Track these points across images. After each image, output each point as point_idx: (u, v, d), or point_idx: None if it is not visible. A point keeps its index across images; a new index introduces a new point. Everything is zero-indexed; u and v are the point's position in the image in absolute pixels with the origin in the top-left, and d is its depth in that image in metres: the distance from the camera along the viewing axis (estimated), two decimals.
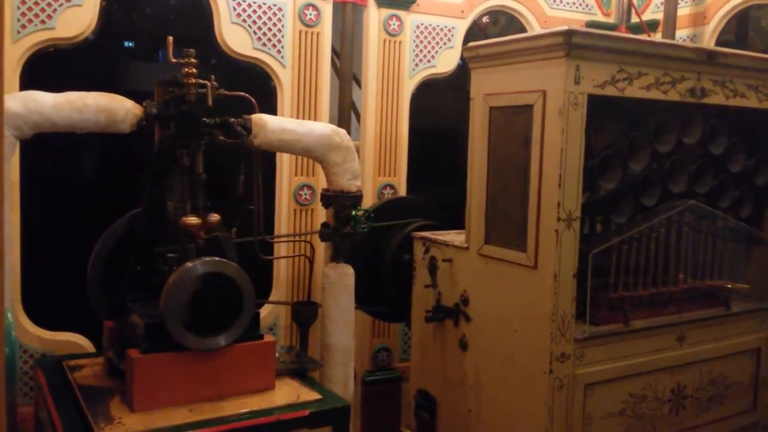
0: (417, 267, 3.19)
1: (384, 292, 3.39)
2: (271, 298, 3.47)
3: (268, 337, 2.43)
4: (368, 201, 3.64)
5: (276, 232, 3.43)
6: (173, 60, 2.32)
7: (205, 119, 2.42)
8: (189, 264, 2.22)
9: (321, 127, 2.65)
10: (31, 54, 2.98)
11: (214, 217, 2.34)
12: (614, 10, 4.29)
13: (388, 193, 3.72)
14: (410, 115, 3.77)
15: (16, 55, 2.92)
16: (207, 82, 2.37)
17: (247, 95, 2.58)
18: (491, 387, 2.81)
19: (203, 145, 2.41)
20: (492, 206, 2.76)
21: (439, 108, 4.08)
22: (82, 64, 3.18)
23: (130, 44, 3.57)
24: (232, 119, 2.45)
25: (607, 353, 2.67)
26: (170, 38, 2.31)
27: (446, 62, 3.79)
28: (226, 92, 2.52)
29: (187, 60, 2.34)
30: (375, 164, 3.71)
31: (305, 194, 3.50)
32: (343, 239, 2.70)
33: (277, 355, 2.72)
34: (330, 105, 3.58)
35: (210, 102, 2.36)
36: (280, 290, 3.52)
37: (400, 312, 3.39)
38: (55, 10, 2.96)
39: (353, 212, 2.65)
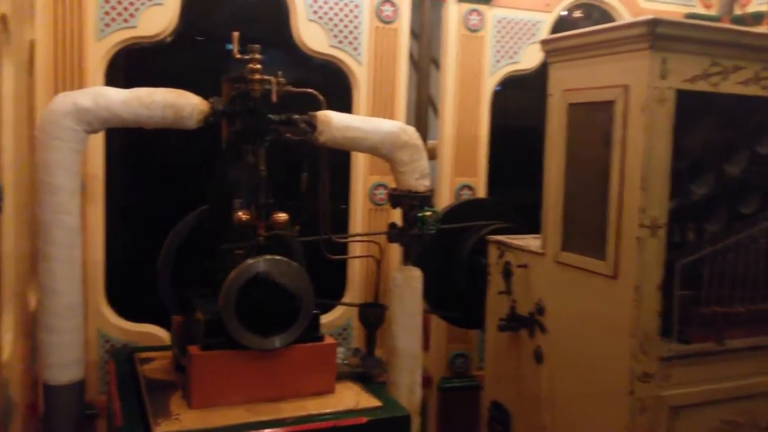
0: (491, 272, 3.05)
1: (458, 297, 3.26)
2: (344, 299, 3.42)
3: (329, 339, 2.37)
4: (445, 202, 3.53)
5: (351, 232, 3.38)
6: (238, 56, 2.30)
7: (271, 116, 2.39)
8: (249, 261, 2.19)
9: (388, 125, 2.57)
10: (115, 52, 3.07)
11: (278, 215, 2.30)
12: (716, 1, 3.97)
13: (466, 194, 3.59)
14: (492, 113, 3.63)
15: (100, 53, 3.00)
16: (271, 78, 2.33)
17: (314, 92, 2.53)
18: (568, 404, 2.64)
19: (267, 141, 2.38)
20: (569, 210, 2.59)
21: (523, 106, 3.91)
22: (173, 60, 3.25)
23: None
24: (296, 116, 2.41)
25: (697, 374, 2.44)
26: (235, 33, 2.29)
27: (530, 58, 3.62)
28: (293, 88, 2.48)
29: (251, 56, 2.31)
30: (453, 164, 3.58)
31: (380, 194, 3.42)
32: (410, 241, 2.60)
33: (342, 357, 2.66)
34: (408, 103, 3.50)
35: (274, 98, 2.32)
36: (354, 291, 3.46)
37: (475, 318, 3.26)
38: (137, 8, 3.02)
39: (420, 213, 2.55)
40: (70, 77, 2.95)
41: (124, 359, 2.67)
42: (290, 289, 2.22)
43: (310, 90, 2.54)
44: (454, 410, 3.74)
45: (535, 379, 2.79)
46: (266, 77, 2.34)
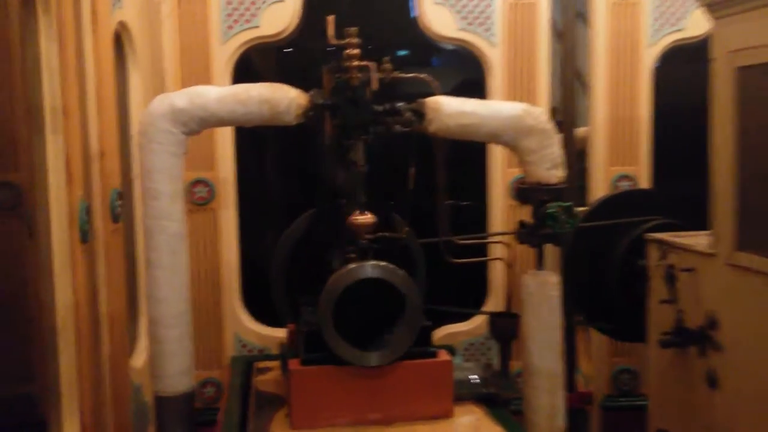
0: (651, 276, 2.57)
1: (611, 305, 2.80)
2: (486, 307, 3.10)
3: (443, 355, 2.08)
4: (599, 195, 3.09)
5: (491, 231, 3.05)
6: (334, 41, 2.09)
7: (375, 106, 2.16)
8: (349, 267, 1.97)
9: (509, 108, 2.22)
10: (240, 54, 3.02)
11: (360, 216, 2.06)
12: None
13: (624, 186, 3.11)
14: (654, 90, 3.13)
15: (225, 55, 2.98)
16: (370, 63, 2.10)
17: (426, 77, 2.26)
18: None
19: (371, 134, 2.15)
20: (746, 201, 2.08)
21: (694, 80, 3.33)
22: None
23: None
24: (400, 104, 2.15)
25: None
26: (330, 17, 2.09)
27: (698, 24, 3.04)
28: (403, 75, 2.24)
29: (348, 41, 2.09)
30: (608, 151, 3.13)
31: None
32: (542, 241, 2.23)
33: (474, 375, 2.36)
34: (551, 85, 3.12)
35: (375, 85, 2.09)
36: (496, 298, 3.13)
37: (633, 330, 2.78)
38: (258, 8, 2.95)
39: (550, 209, 2.17)
40: (197, 83, 2.94)
41: (242, 368, 2.56)
42: (395, 299, 1.96)
43: (421, 75, 2.28)
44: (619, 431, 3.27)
45: (709, 406, 2.29)
46: (365, 63, 2.11)
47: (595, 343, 3.28)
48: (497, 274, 3.14)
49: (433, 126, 2.16)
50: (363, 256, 2.04)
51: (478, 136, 2.22)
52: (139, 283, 2.75)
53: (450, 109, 2.16)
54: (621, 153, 3.13)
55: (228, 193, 3.09)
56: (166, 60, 2.95)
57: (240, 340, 3.10)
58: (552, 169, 2.22)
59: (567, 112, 3.14)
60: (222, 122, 2.14)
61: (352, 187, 2.09)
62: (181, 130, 2.11)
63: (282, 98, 2.11)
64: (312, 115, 2.16)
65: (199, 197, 3.04)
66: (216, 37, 2.98)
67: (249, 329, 3.11)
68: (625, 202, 2.86)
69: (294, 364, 2.01)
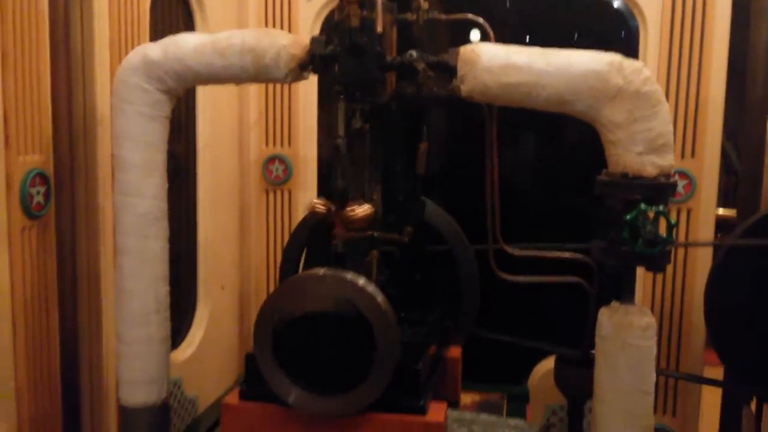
0: None
1: None
2: None
3: (435, 413, 1.44)
4: None
5: None
6: None
7: (387, 58, 1.57)
8: (294, 277, 1.42)
9: (585, 61, 1.45)
10: (328, 12, 2.61)
11: (353, 209, 1.47)
12: None
13: None
14: None
15: (311, 14, 2.61)
16: None
17: (476, 18, 1.62)
18: None
19: (377, 97, 1.57)
20: None
21: None
22: None
23: None
24: (413, 53, 1.52)
25: None
26: None
27: None
28: (443, 15, 1.63)
29: None
30: None
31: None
32: (623, 262, 1.46)
33: None
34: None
35: (379, 27, 1.50)
36: None
37: None
38: None
39: (629, 214, 1.39)
40: None
41: None
42: (357, 325, 1.37)
43: (470, 15, 1.64)
44: None
45: None
46: None
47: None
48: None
49: (467, 85, 1.50)
50: (337, 261, 1.47)
51: (537, 102, 1.50)
52: None
53: (491, 60, 1.47)
54: None
55: (307, 173, 2.72)
56: (250, 20, 2.62)
57: None
58: (647, 154, 1.43)
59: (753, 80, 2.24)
60: (200, 78, 1.69)
61: (331, 168, 1.52)
62: (156, 87, 1.71)
63: (268, 47, 1.60)
64: (311, 69, 1.63)
65: (275, 176, 2.71)
66: None
67: None
68: None
69: (232, 396, 1.51)
